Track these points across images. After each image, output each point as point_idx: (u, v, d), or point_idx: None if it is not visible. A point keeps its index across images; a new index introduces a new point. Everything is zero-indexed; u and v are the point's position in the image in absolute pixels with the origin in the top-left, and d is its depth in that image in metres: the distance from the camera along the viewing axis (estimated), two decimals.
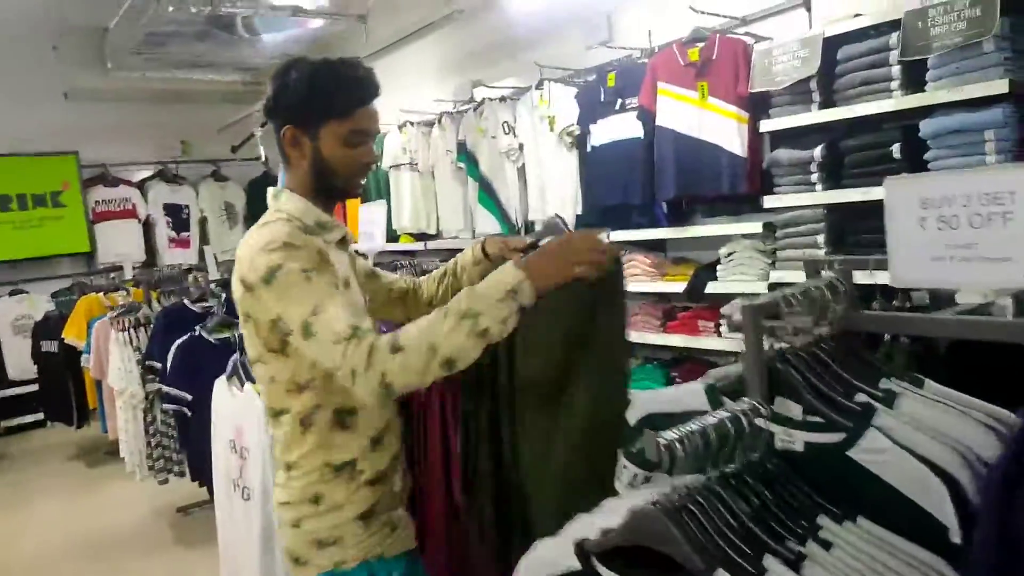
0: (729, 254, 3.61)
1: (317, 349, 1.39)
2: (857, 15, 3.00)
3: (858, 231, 3.09)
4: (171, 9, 4.64)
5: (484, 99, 4.89)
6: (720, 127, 3.51)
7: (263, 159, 7.66)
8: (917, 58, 2.78)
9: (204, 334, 3.45)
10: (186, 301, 4.05)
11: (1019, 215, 0.98)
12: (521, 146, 4.65)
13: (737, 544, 0.90)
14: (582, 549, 0.99)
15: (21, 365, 6.67)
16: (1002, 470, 0.88)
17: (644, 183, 3.88)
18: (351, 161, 1.57)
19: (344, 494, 1.56)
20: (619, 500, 1.23)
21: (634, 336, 4.14)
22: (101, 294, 5.57)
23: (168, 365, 3.53)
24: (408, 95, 5.85)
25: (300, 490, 1.56)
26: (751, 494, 0.97)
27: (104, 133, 7.40)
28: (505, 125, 4.72)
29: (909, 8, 2.77)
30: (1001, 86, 2.55)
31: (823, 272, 1.33)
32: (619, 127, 3.99)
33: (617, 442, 1.16)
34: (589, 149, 4.20)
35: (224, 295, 3.75)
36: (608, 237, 1.48)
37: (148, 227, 7.62)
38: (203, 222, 7.89)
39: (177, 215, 7.71)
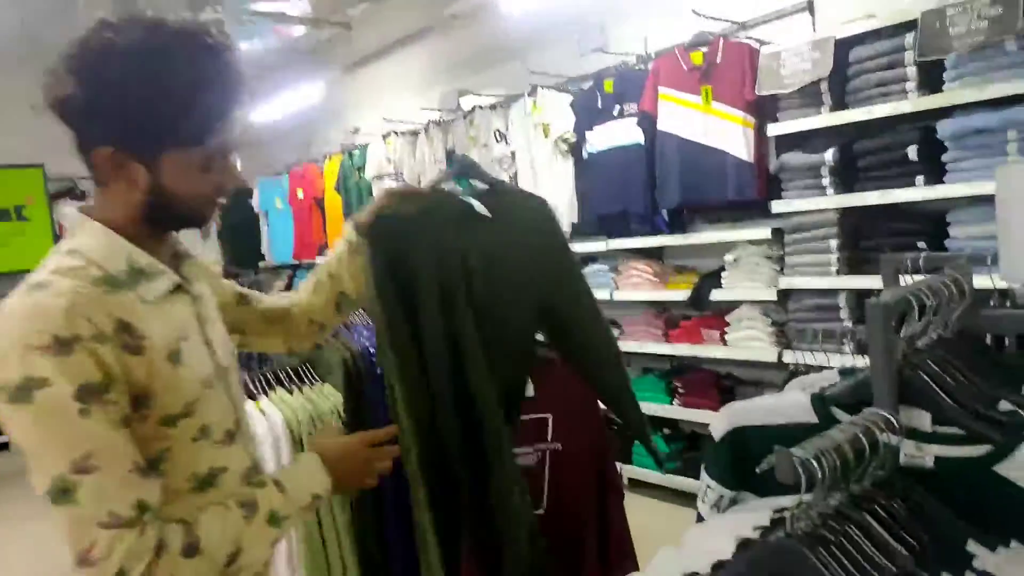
0: (734, 260, 3.53)
1: (70, 524, 0.96)
2: (870, 16, 2.94)
3: (874, 235, 3.02)
4: (149, 13, 4.44)
5: (475, 107, 4.77)
6: (725, 132, 3.44)
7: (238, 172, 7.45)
8: (934, 58, 2.72)
9: None
10: None
11: None
12: (513, 154, 4.54)
13: None
14: None
15: None
16: None
17: (644, 190, 3.79)
18: (207, 187, 1.13)
19: None
20: (707, 526, 1.11)
21: (635, 346, 4.04)
22: None
23: None
24: (392, 105, 5.72)
25: None
26: (888, 518, 0.85)
27: (71, 146, 7.11)
28: (497, 133, 4.61)
29: (926, 8, 2.72)
30: None
31: (904, 275, 1.22)
32: (618, 133, 3.90)
33: None
34: (585, 156, 4.11)
35: None
36: None
37: None
38: None
39: None
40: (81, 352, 0.97)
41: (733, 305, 3.61)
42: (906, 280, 1.15)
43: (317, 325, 1.53)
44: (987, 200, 2.52)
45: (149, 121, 1.04)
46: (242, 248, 7.53)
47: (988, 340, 1.12)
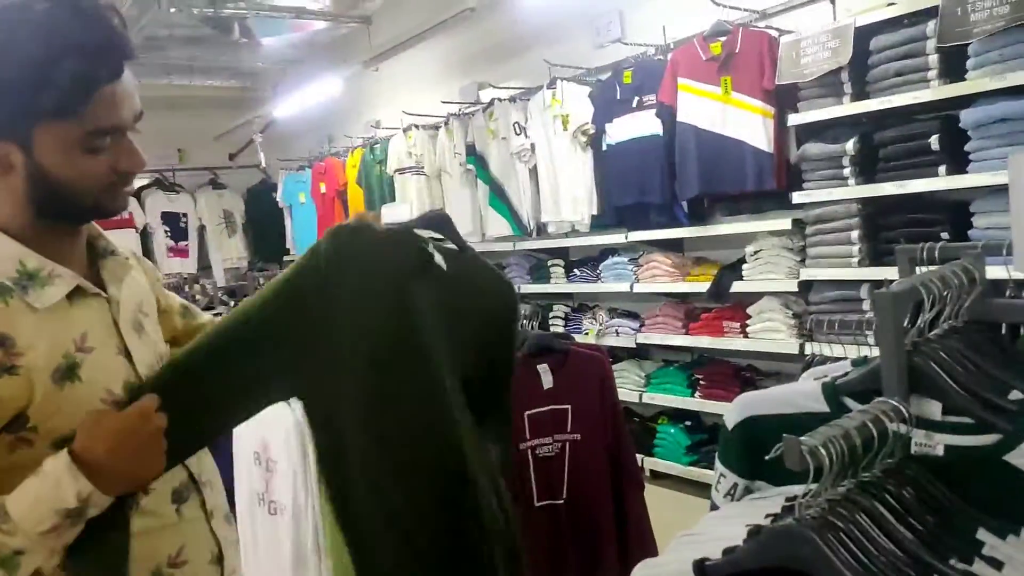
0: (755, 252, 3.51)
1: None
2: (891, 3, 2.91)
3: (896, 225, 2.99)
4: (172, 11, 4.51)
5: (494, 100, 4.79)
6: (745, 122, 3.42)
7: (262, 166, 7.54)
8: (956, 45, 2.69)
9: None
10: None
11: None
12: (533, 147, 4.55)
13: (899, 566, 0.78)
14: (704, 573, 0.88)
15: None
16: None
17: (664, 181, 3.79)
18: (98, 169, 1.01)
19: None
20: (720, 513, 1.12)
21: (656, 338, 4.05)
22: None
23: None
24: (413, 98, 5.75)
25: None
26: (897, 505, 0.86)
27: None
28: (516, 126, 4.61)
29: None
30: None
31: (920, 266, 1.22)
32: (637, 125, 3.90)
33: None
34: (604, 148, 4.11)
35: (233, 302, 3.63)
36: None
37: (146, 236, 7.47)
38: (201, 230, 7.75)
39: (175, 224, 7.56)
40: None
41: (754, 297, 3.60)
42: (922, 271, 1.15)
43: None
44: None
45: (4, 91, 0.95)
46: (267, 242, 7.64)
47: (1003, 330, 1.12)
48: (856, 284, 3.12)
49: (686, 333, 3.92)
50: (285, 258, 7.17)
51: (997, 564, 0.80)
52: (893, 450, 0.90)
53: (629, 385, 4.10)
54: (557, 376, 2.00)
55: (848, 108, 3.06)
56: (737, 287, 3.62)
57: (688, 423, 4.01)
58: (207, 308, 3.94)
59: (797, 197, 3.27)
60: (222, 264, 7.61)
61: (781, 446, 0.82)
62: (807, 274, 3.28)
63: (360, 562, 1.19)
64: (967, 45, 2.67)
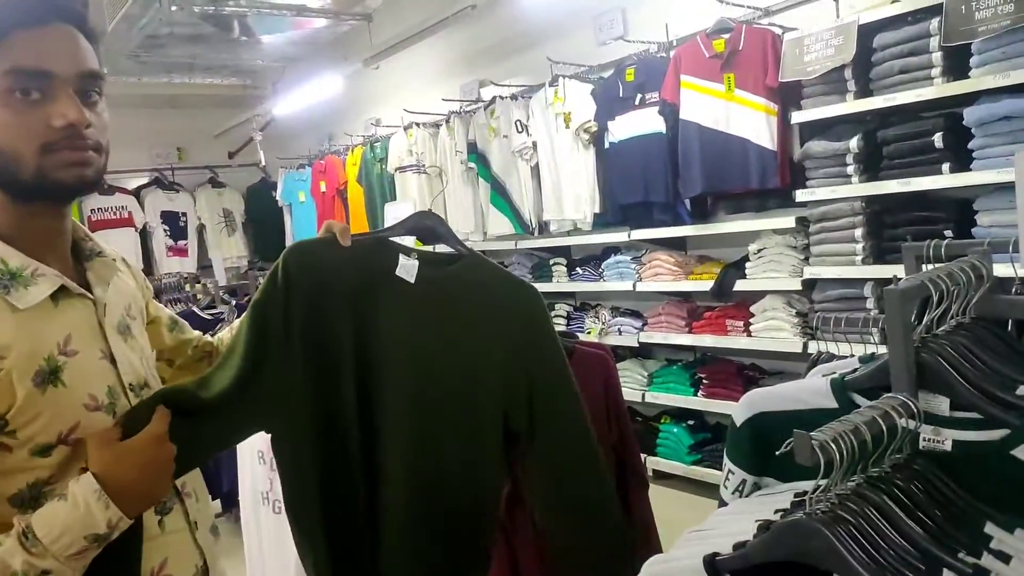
0: (759, 250, 3.51)
1: None
2: (895, 0, 2.91)
3: (899, 223, 2.99)
4: (174, 8, 4.50)
5: (495, 97, 4.78)
6: (748, 120, 3.42)
7: (262, 164, 7.54)
8: (960, 43, 2.68)
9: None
10: (195, 308, 3.93)
11: None
12: (535, 144, 4.54)
13: (908, 560, 0.78)
14: (715, 567, 0.88)
15: None
16: None
17: (667, 179, 3.78)
18: (25, 127, 0.93)
19: None
20: (729, 510, 1.12)
21: (658, 337, 4.05)
22: None
23: None
24: (413, 96, 5.74)
25: None
26: (906, 500, 0.86)
27: None
28: (518, 123, 4.61)
29: None
30: None
31: (926, 263, 1.22)
32: (639, 122, 3.89)
33: None
34: (607, 146, 4.11)
35: (234, 301, 3.63)
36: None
37: (145, 235, 7.47)
38: (201, 229, 7.75)
39: (174, 223, 7.56)
40: None
41: (757, 295, 3.60)
42: (928, 268, 1.16)
43: None
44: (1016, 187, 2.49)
45: None
46: (266, 241, 7.64)
47: (1009, 326, 1.12)
48: (860, 282, 3.12)
49: (689, 332, 3.92)
50: None
51: (1005, 558, 0.80)
52: (902, 445, 0.90)
53: (632, 384, 4.09)
54: None
55: (852, 106, 3.05)
56: (740, 286, 3.61)
57: (691, 422, 4.01)
58: (208, 307, 3.94)
59: (801, 195, 3.27)
60: (222, 263, 7.60)
61: (792, 441, 0.82)
62: (811, 272, 3.28)
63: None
64: (971, 43, 2.67)
